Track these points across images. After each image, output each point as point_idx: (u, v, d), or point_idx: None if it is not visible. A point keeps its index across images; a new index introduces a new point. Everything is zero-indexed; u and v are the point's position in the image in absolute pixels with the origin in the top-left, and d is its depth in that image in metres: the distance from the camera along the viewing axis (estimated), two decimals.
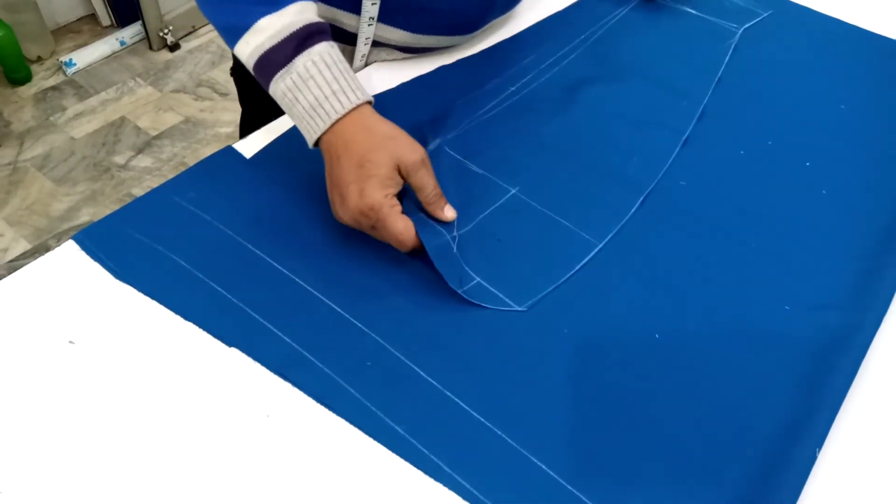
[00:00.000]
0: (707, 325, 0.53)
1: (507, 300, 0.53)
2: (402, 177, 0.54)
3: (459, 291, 0.52)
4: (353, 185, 0.52)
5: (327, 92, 0.54)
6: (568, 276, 0.55)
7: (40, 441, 0.44)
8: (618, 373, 0.50)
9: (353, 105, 0.54)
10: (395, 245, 0.53)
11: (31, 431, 0.44)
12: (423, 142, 0.63)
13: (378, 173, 0.52)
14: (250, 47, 0.55)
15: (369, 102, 0.56)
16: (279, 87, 0.55)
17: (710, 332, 0.52)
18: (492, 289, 0.54)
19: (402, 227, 0.52)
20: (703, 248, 0.58)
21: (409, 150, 0.53)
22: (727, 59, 0.77)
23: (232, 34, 0.56)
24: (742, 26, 0.82)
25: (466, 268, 0.55)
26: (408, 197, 0.56)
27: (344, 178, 0.53)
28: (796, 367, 0.51)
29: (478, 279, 0.54)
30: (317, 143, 0.56)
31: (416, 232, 0.53)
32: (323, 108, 0.54)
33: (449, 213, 0.56)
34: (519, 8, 0.81)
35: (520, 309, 0.53)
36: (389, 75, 0.71)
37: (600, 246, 0.57)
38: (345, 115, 0.54)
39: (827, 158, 0.67)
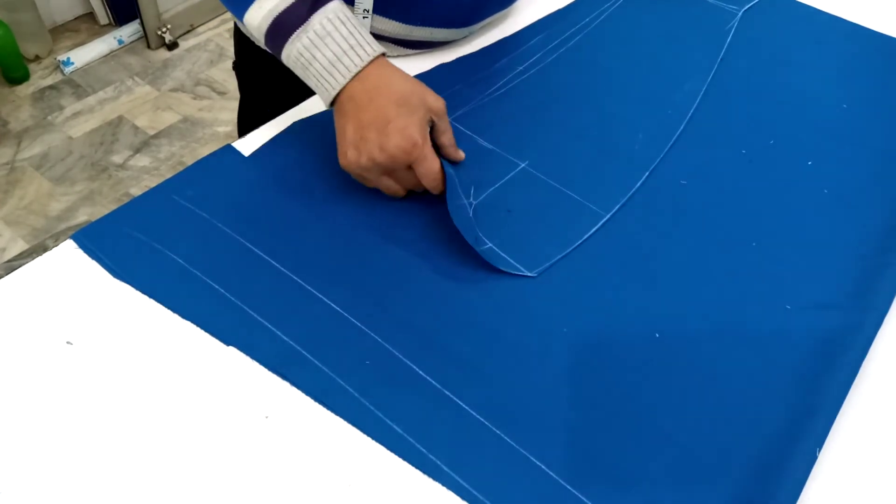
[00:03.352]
0: (707, 324, 0.53)
1: (519, 266, 0.55)
2: (431, 123, 0.56)
3: (477, 250, 0.54)
4: (395, 123, 0.53)
5: (345, 47, 0.55)
6: (577, 244, 0.57)
7: (39, 442, 0.43)
8: (618, 372, 0.50)
9: (372, 57, 0.55)
10: (428, 183, 0.55)
11: (29, 432, 0.44)
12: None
13: (419, 114, 0.55)
14: (263, 11, 0.56)
15: (383, 54, 0.57)
16: (294, 49, 0.56)
17: (710, 331, 0.52)
18: (503, 254, 0.55)
19: (439, 167, 0.55)
20: (704, 248, 0.58)
21: (435, 97, 0.57)
22: (728, 40, 0.79)
23: (241, 2, 0.57)
24: (742, 8, 0.84)
25: (479, 233, 0.57)
26: None
27: (383, 115, 0.54)
28: (797, 367, 0.50)
29: (490, 244, 0.56)
30: (332, 103, 0.57)
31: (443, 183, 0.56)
32: (342, 62, 0.55)
33: (461, 153, 0.60)
34: (519, 6, 0.81)
35: (530, 275, 0.55)
36: None
37: (607, 217, 0.59)
38: (366, 66, 0.55)
39: (828, 158, 0.67)
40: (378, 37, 0.70)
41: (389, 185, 0.57)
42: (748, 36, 0.81)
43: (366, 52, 0.55)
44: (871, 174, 0.66)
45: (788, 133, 0.69)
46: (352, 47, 0.55)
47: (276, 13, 0.55)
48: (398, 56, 0.73)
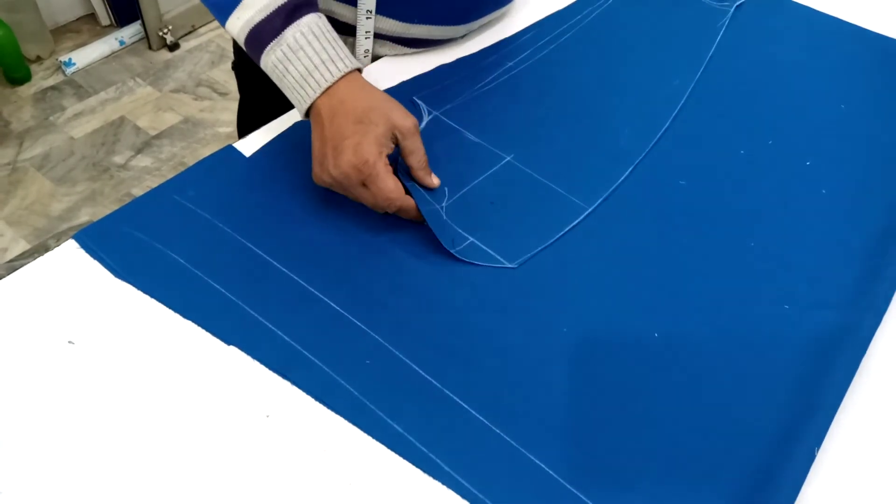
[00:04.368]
0: (706, 324, 0.53)
1: (499, 258, 0.55)
2: (395, 141, 0.56)
3: (453, 251, 0.55)
4: (350, 140, 0.53)
5: (317, 61, 0.55)
6: (557, 236, 0.58)
7: (40, 441, 0.44)
8: (617, 372, 0.50)
9: (343, 73, 0.56)
10: (381, 203, 0.54)
11: (30, 432, 0.44)
12: (419, 112, 0.67)
13: (375, 131, 0.54)
14: (241, 22, 0.56)
15: (359, 70, 0.57)
16: (270, 60, 0.56)
17: (709, 331, 0.52)
18: (484, 247, 0.56)
19: (392, 185, 0.54)
20: (703, 248, 0.58)
21: (404, 115, 0.56)
22: (719, 37, 0.80)
23: (222, 11, 0.57)
24: (734, 5, 0.84)
25: (459, 230, 0.57)
26: (398, 165, 0.59)
27: (340, 133, 0.54)
28: (796, 367, 0.51)
29: (471, 239, 0.56)
30: (307, 114, 0.57)
31: (409, 194, 0.55)
32: (313, 77, 0.55)
33: (435, 180, 0.59)
34: (518, 6, 0.81)
35: (511, 266, 0.55)
36: (388, 72, 0.71)
37: (590, 210, 0.60)
38: (336, 82, 0.55)
39: (827, 158, 0.67)
40: (377, 35, 0.70)
41: (364, 200, 0.56)
42: (740, 34, 0.81)
43: (337, 67, 0.55)
44: (870, 174, 0.66)
45: (787, 133, 0.69)
46: (323, 62, 0.55)
47: (252, 24, 0.56)
48: (397, 55, 0.73)
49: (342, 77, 0.56)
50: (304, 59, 0.55)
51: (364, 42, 0.70)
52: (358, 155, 0.53)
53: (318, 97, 0.55)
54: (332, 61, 0.55)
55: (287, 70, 0.55)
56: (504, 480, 0.44)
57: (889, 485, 0.46)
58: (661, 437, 0.46)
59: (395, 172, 0.58)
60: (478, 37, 0.77)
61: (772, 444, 0.46)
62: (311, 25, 0.55)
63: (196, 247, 0.54)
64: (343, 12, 0.69)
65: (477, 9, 0.73)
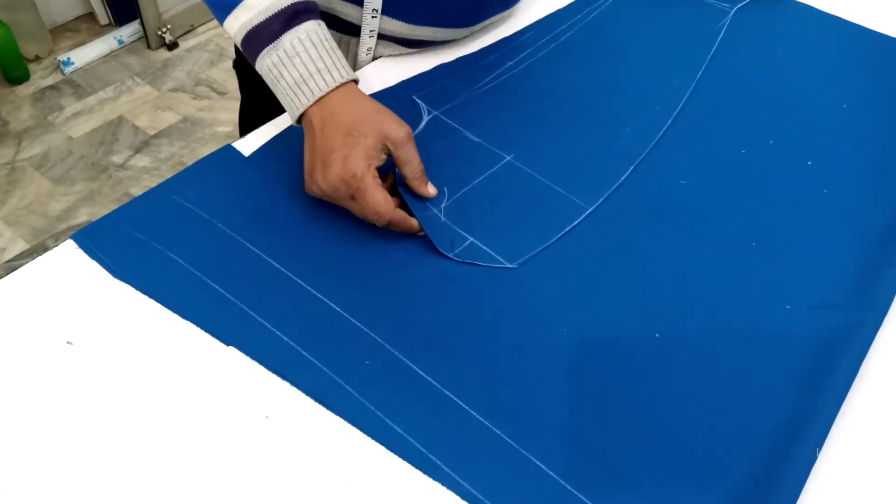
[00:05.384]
0: (707, 324, 0.53)
1: (499, 258, 0.55)
2: (387, 152, 0.55)
3: (451, 255, 0.55)
4: (338, 153, 0.53)
5: (312, 69, 0.54)
6: (558, 236, 0.57)
7: (39, 442, 0.43)
8: (617, 372, 0.50)
9: (338, 83, 0.55)
10: (370, 216, 0.54)
11: (29, 432, 0.44)
12: (419, 111, 0.66)
13: (364, 143, 0.53)
14: (239, 23, 0.56)
15: (355, 81, 0.57)
16: (265, 63, 0.56)
17: (710, 331, 0.52)
18: (484, 247, 0.56)
19: (381, 199, 0.53)
20: (704, 248, 0.58)
21: (396, 125, 0.55)
22: (720, 38, 0.80)
23: (222, 10, 0.57)
24: (735, 6, 0.84)
25: (459, 230, 0.57)
26: (397, 175, 0.58)
27: (328, 145, 0.53)
28: (797, 367, 0.50)
29: (471, 239, 0.56)
30: (299, 121, 0.57)
31: (405, 203, 0.56)
32: (307, 84, 0.55)
33: (431, 189, 0.58)
34: (522, 7, 0.81)
35: (511, 266, 0.55)
36: (388, 72, 0.71)
37: (590, 210, 0.60)
38: (330, 92, 0.55)
39: (828, 158, 0.67)
40: (381, 36, 0.70)
41: (355, 212, 0.55)
42: (742, 34, 0.81)
43: (332, 77, 0.55)
44: (872, 174, 0.66)
45: (788, 133, 0.69)
46: (318, 70, 0.55)
47: (250, 26, 0.55)
48: (399, 55, 0.73)
49: (336, 88, 0.55)
50: (300, 65, 0.54)
51: (368, 41, 0.69)
52: (346, 168, 0.52)
53: (310, 106, 0.55)
54: (328, 70, 0.55)
55: (281, 75, 0.55)
56: (504, 481, 0.44)
57: (891, 486, 0.46)
58: (661, 438, 0.46)
59: (395, 182, 0.58)
60: (479, 36, 0.77)
61: (773, 445, 0.46)
62: (310, 32, 0.55)
63: (195, 247, 0.54)
64: (348, 11, 0.68)
65: (482, 12, 0.73)
